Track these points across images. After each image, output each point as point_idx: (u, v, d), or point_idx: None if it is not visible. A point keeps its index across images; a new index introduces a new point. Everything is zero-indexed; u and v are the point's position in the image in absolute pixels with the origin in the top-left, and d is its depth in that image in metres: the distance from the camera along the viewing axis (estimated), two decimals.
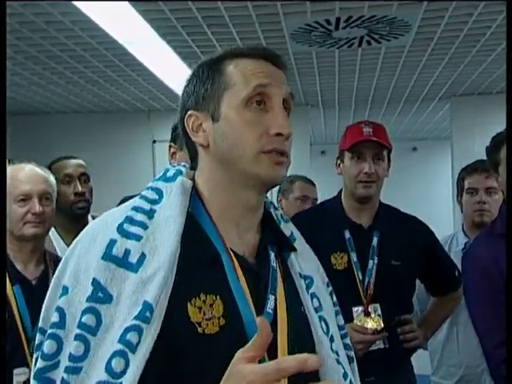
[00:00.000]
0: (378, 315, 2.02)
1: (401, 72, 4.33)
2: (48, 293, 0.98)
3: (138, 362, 0.86)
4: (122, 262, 0.93)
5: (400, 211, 2.24)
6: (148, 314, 0.88)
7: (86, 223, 2.52)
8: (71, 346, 0.88)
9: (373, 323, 2.00)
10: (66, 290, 0.94)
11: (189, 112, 1.05)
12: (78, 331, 0.89)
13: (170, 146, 2.01)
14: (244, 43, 3.51)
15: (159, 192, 1.02)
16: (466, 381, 2.54)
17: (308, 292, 1.08)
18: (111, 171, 5.35)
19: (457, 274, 2.26)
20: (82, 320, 0.89)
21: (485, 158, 2.55)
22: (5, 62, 1.41)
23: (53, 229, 2.45)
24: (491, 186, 2.54)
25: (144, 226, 0.96)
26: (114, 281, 0.91)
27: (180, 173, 1.05)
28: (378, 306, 2.04)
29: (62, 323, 0.92)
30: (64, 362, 0.89)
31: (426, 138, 7.36)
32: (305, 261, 1.13)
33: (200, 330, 0.91)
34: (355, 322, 2.00)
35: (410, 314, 2.19)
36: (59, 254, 2.42)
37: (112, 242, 0.94)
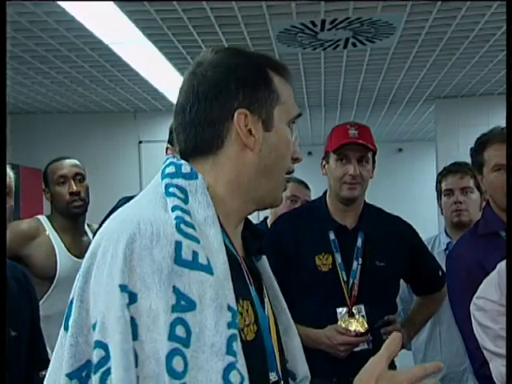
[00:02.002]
0: (362, 316, 2.03)
1: (386, 74, 4.36)
2: (101, 295, 0.84)
3: (245, 372, 0.83)
4: (195, 264, 0.85)
5: (385, 212, 2.25)
6: (236, 320, 0.85)
7: (83, 222, 2.52)
8: (172, 362, 0.80)
9: (357, 324, 2.01)
10: (135, 297, 0.82)
11: (241, 109, 0.96)
12: (172, 345, 0.80)
13: (166, 148, 2.01)
14: (230, 44, 3.52)
15: (183, 190, 0.93)
16: (449, 379, 2.56)
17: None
18: (97, 172, 5.30)
19: (440, 273, 2.28)
20: (175, 333, 0.81)
21: (468, 159, 2.59)
22: (5, 63, 1.40)
23: (52, 229, 2.45)
24: (466, 186, 2.59)
25: (194, 228, 0.89)
26: (193, 286, 0.84)
27: (194, 173, 0.96)
28: (362, 306, 2.05)
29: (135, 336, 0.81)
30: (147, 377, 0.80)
31: (411, 139, 7.41)
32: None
33: (243, 336, 0.88)
34: (339, 323, 2.01)
35: (393, 315, 2.20)
36: (57, 255, 2.41)
37: (179, 245, 0.85)
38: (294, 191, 3.26)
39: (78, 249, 2.40)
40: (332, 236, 2.08)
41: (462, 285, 2.08)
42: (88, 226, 2.54)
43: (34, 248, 2.38)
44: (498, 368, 1.68)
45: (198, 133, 0.97)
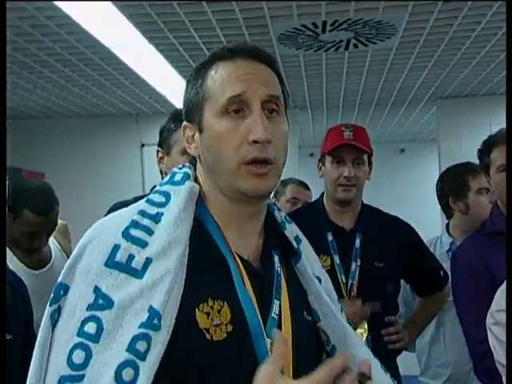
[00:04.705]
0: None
1: (387, 75, 4.36)
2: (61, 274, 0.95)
3: (148, 370, 0.84)
4: (126, 267, 0.90)
5: (383, 212, 2.24)
6: (156, 321, 0.86)
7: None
8: (73, 354, 0.86)
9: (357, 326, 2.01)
10: (67, 290, 0.92)
11: (184, 123, 1.04)
12: (78, 340, 0.86)
13: (157, 151, 2.00)
14: None
15: (167, 195, 1.00)
16: (455, 380, 2.55)
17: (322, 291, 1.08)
18: (99, 175, 5.34)
19: (442, 273, 2.27)
20: (84, 329, 0.87)
21: (471, 159, 2.58)
22: (5, 64, 1.40)
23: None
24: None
25: (150, 232, 0.94)
26: (116, 286, 0.89)
27: (188, 176, 1.03)
28: None
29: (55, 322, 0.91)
30: (58, 367, 0.87)
31: (413, 139, 7.40)
32: (311, 262, 1.12)
33: (208, 336, 0.90)
34: None
35: (394, 315, 2.19)
36: (53, 256, 2.39)
37: (116, 248, 0.92)
38: (294, 193, 3.26)
39: (32, 260, 2.30)
40: (330, 237, 2.08)
41: (465, 281, 2.10)
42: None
43: None
44: None
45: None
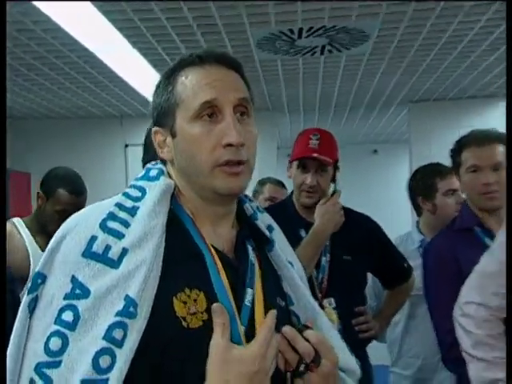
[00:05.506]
0: (333, 308, 2.05)
1: (361, 79, 4.39)
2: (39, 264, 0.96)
3: (124, 357, 0.85)
4: (102, 257, 0.91)
5: (352, 210, 2.28)
6: (132, 309, 0.87)
7: None
8: (49, 342, 0.86)
9: (328, 316, 2.03)
10: (44, 280, 0.92)
11: (154, 128, 1.04)
12: (55, 328, 0.87)
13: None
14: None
15: (142, 190, 1.00)
16: (424, 370, 2.59)
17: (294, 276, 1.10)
18: (85, 175, 5.23)
19: (406, 265, 2.32)
20: (61, 317, 0.87)
21: (440, 160, 2.61)
22: (5, 66, 1.39)
23: (27, 231, 2.40)
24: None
25: (126, 224, 0.94)
26: (93, 276, 0.89)
27: (162, 172, 1.03)
28: (332, 299, 2.07)
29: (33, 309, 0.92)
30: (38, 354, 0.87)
31: (386, 141, 7.46)
32: (284, 248, 1.14)
33: (184, 324, 0.91)
34: None
35: (363, 306, 2.23)
36: (31, 256, 2.37)
37: (93, 239, 0.92)
38: (271, 192, 3.27)
39: None
40: (303, 233, 2.10)
41: (436, 274, 2.12)
42: None
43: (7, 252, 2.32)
44: (477, 372, 1.71)
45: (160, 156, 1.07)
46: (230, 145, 0.96)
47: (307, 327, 0.98)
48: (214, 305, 0.91)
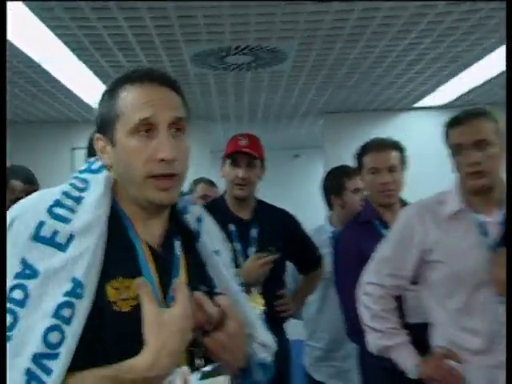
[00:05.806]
0: (260, 294, 2.09)
1: (283, 92, 4.45)
2: None
3: (73, 333, 0.84)
4: (50, 241, 0.89)
5: (274, 206, 2.33)
6: (79, 290, 0.86)
7: None
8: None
9: (254, 299, 2.06)
10: None
11: (97, 135, 1.02)
12: (7, 306, 0.85)
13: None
14: (151, 65, 3.46)
15: (86, 182, 0.99)
16: (333, 341, 2.67)
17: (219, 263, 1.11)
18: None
19: (318, 255, 2.40)
20: (12, 295, 0.85)
21: (349, 163, 2.69)
22: (5, 65, 1.30)
23: None
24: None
25: (72, 211, 0.93)
26: (42, 258, 0.88)
27: (104, 167, 1.02)
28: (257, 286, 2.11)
29: None
30: None
31: (306, 146, 7.60)
32: (213, 236, 1.14)
33: (116, 307, 0.91)
34: None
35: (283, 290, 2.29)
36: None
37: (41, 224, 0.90)
38: (204, 191, 3.27)
39: None
40: (232, 228, 2.12)
41: (343, 262, 2.20)
42: None
43: None
44: (373, 341, 1.79)
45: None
46: (163, 160, 0.95)
47: (220, 294, 1.00)
48: (137, 279, 0.91)
